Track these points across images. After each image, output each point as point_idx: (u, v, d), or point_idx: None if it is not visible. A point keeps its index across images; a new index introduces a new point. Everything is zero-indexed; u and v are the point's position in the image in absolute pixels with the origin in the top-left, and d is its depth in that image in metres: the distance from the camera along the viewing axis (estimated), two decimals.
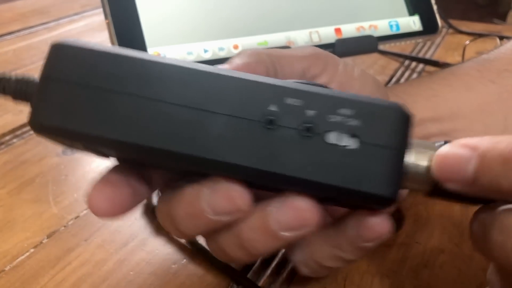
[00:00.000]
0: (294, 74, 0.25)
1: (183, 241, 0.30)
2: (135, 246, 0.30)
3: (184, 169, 0.21)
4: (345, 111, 0.19)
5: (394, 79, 0.53)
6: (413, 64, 0.57)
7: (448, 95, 0.33)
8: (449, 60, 0.55)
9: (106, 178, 0.21)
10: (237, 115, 0.19)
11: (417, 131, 0.32)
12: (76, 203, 0.34)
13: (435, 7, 0.44)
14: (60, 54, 0.19)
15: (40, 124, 0.19)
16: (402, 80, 0.53)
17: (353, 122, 0.19)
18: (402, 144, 0.19)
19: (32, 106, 0.19)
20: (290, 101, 0.19)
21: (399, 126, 0.19)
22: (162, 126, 0.19)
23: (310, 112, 0.19)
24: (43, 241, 0.31)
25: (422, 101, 0.32)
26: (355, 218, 0.21)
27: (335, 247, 0.22)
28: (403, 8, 0.43)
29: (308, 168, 0.18)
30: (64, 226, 0.32)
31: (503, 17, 0.74)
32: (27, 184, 0.36)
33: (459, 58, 0.55)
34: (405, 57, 0.57)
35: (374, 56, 0.57)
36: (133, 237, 0.31)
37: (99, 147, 0.20)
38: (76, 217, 0.33)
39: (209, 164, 0.19)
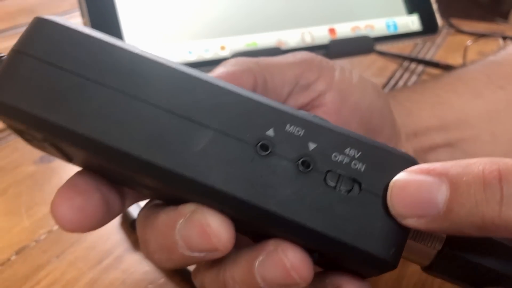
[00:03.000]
0: (285, 82, 0.23)
1: None
2: (110, 264, 0.28)
3: (156, 188, 0.18)
4: (352, 151, 0.16)
5: (392, 81, 0.51)
6: (413, 65, 0.54)
7: (455, 102, 0.31)
8: (450, 61, 0.53)
9: (74, 183, 0.18)
10: (227, 132, 0.16)
11: (422, 141, 0.30)
12: (49, 216, 0.32)
13: (435, 6, 0.41)
14: (41, 29, 0.17)
15: (0, 102, 0.16)
16: (401, 82, 0.51)
17: (357, 166, 0.16)
18: None
19: None
20: (291, 129, 0.16)
21: None
22: (139, 129, 0.16)
23: (312, 146, 0.16)
24: (11, 258, 0.28)
25: (428, 109, 0.30)
26: (333, 283, 0.18)
27: None
28: (401, 6, 0.41)
29: (299, 208, 0.16)
30: (36, 241, 0.30)
31: (505, 16, 0.72)
32: None
33: (460, 59, 0.53)
34: (404, 58, 0.55)
35: (372, 57, 0.55)
36: (108, 253, 0.29)
37: (62, 143, 0.17)
38: (49, 231, 0.30)
39: (186, 183, 0.16)
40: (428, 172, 0.15)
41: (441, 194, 0.15)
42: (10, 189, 0.34)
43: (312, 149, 0.16)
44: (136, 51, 0.17)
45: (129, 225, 0.30)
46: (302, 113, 0.17)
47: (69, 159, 0.19)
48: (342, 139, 0.16)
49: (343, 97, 0.24)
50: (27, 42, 0.17)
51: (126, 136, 0.16)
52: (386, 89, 0.49)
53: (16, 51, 0.17)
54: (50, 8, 0.74)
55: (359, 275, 0.18)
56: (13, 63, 0.17)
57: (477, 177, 0.15)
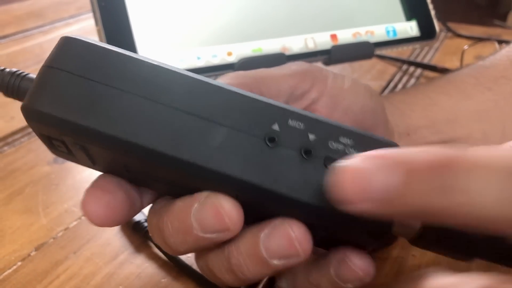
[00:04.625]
0: (281, 93, 0.24)
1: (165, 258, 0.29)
2: (125, 259, 0.30)
3: (177, 180, 0.20)
4: (345, 140, 0.19)
5: (391, 84, 0.53)
6: (411, 68, 0.56)
7: (445, 103, 0.32)
8: (447, 65, 0.55)
9: (100, 184, 0.21)
10: (240, 129, 0.19)
11: (414, 139, 0.32)
12: (65, 214, 0.33)
13: (432, 12, 0.43)
14: (67, 46, 0.19)
15: (34, 109, 0.18)
16: (400, 85, 0.53)
17: (351, 151, 0.19)
18: None
19: (29, 91, 0.19)
20: (293, 123, 0.19)
21: None
22: (164, 129, 0.18)
23: (312, 136, 0.19)
24: (31, 254, 0.30)
25: (420, 110, 0.32)
26: (338, 257, 0.20)
27: (314, 284, 0.21)
28: (400, 13, 0.43)
29: (303, 189, 0.18)
30: (53, 238, 0.31)
31: (503, 18, 0.73)
32: (17, 194, 0.35)
33: (457, 63, 0.54)
34: (403, 61, 0.56)
35: (371, 60, 0.56)
36: (122, 249, 0.30)
37: (91, 144, 0.19)
38: (66, 229, 0.32)
39: (207, 174, 0.18)
40: (380, 157, 0.16)
41: (388, 179, 0.15)
42: (26, 188, 0.36)
43: (312, 139, 0.19)
44: (155, 62, 0.19)
45: (132, 228, 0.31)
46: (301, 110, 0.20)
47: (92, 163, 0.21)
48: (336, 130, 0.19)
49: (335, 102, 0.25)
50: (57, 58, 0.19)
51: (154, 136, 0.18)
52: (386, 92, 0.51)
53: (48, 67, 0.19)
54: (58, 12, 0.76)
55: (361, 247, 0.20)
56: (45, 77, 0.19)
57: (423, 164, 0.15)
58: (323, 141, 0.19)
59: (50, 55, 0.19)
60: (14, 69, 0.20)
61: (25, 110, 0.19)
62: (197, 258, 0.23)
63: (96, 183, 0.20)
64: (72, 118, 0.18)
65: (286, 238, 0.19)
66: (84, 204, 0.20)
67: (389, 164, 0.15)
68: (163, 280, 0.28)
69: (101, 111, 0.18)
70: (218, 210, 0.19)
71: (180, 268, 0.28)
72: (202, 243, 0.20)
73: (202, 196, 0.19)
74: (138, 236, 0.31)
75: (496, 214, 0.14)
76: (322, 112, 0.25)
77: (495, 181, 0.14)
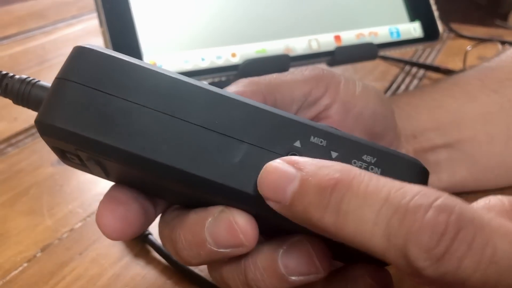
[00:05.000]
0: (294, 100, 0.24)
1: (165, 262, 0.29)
2: (130, 260, 0.30)
3: (193, 194, 0.19)
4: (368, 158, 0.19)
5: (394, 85, 0.53)
6: (414, 69, 0.56)
7: (451, 106, 0.32)
8: (450, 65, 0.55)
9: (114, 195, 0.20)
10: (261, 145, 0.18)
11: (421, 142, 0.32)
12: (70, 215, 0.33)
13: (436, 13, 0.43)
14: (81, 57, 0.18)
15: (49, 125, 0.18)
16: (403, 86, 0.53)
17: (374, 170, 0.18)
18: None
19: (43, 105, 0.18)
20: (315, 140, 0.19)
21: (417, 179, 0.19)
22: (182, 145, 0.18)
23: (334, 154, 0.19)
24: (37, 255, 0.30)
25: (426, 113, 0.32)
26: (355, 273, 0.20)
27: None
28: (404, 14, 0.43)
29: None
30: (58, 239, 0.31)
31: (504, 17, 0.73)
32: (21, 195, 0.35)
33: (460, 64, 0.54)
34: (406, 62, 0.57)
35: (374, 61, 0.56)
36: (128, 250, 0.30)
37: (108, 159, 0.18)
38: (71, 230, 0.32)
39: (222, 190, 0.18)
40: (292, 164, 0.17)
41: (291, 186, 0.16)
42: (31, 190, 0.36)
43: (335, 157, 0.18)
44: (174, 75, 0.19)
45: None
46: (322, 126, 0.19)
47: (106, 175, 0.20)
48: (359, 147, 0.19)
49: (347, 109, 0.25)
50: (71, 70, 0.18)
51: (172, 153, 0.18)
52: (389, 93, 0.51)
53: (62, 79, 0.18)
54: (59, 13, 0.76)
55: (377, 263, 0.20)
56: (60, 90, 0.18)
57: (318, 180, 0.16)
58: (346, 159, 0.18)
59: (63, 66, 0.18)
60: (24, 76, 0.20)
61: (39, 125, 0.18)
62: (211, 269, 0.22)
63: (110, 195, 0.20)
64: (88, 134, 0.17)
65: (306, 256, 0.18)
66: (99, 217, 0.19)
67: (292, 173, 0.17)
68: (168, 281, 0.28)
69: (118, 126, 0.17)
70: (233, 226, 0.18)
71: (182, 272, 0.28)
72: (216, 257, 0.20)
73: (216, 210, 0.19)
74: (138, 240, 0.31)
75: (375, 243, 0.15)
76: (334, 118, 0.25)
77: (380, 214, 0.15)
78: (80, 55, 0.18)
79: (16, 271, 0.29)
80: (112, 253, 0.30)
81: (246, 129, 0.18)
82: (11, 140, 0.43)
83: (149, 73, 0.18)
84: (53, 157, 0.40)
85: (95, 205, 0.34)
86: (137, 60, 0.19)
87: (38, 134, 0.43)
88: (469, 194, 0.33)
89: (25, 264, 0.29)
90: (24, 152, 0.41)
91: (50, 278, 0.28)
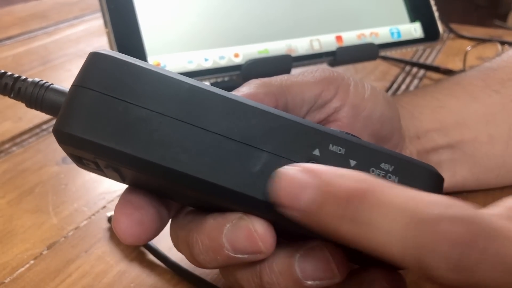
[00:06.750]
0: (305, 102, 0.24)
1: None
2: (136, 257, 0.30)
3: (210, 201, 0.20)
4: (386, 166, 0.19)
5: (395, 85, 0.53)
6: (414, 69, 0.56)
7: (453, 106, 0.33)
8: (450, 65, 0.55)
9: (129, 200, 0.20)
10: (280, 154, 0.18)
11: (424, 143, 0.32)
12: (76, 213, 0.34)
13: (436, 14, 0.44)
14: (98, 64, 0.18)
15: (68, 134, 0.17)
16: (403, 86, 0.53)
17: (391, 178, 0.19)
18: None
19: (60, 114, 0.18)
20: (334, 148, 0.19)
21: (433, 186, 0.19)
22: (202, 154, 0.18)
23: (353, 162, 0.19)
24: (43, 253, 0.30)
25: (428, 113, 0.32)
26: (369, 277, 0.20)
27: None
28: (404, 15, 0.43)
29: None
30: (64, 237, 0.32)
31: (503, 18, 0.74)
32: (27, 194, 0.36)
33: (460, 64, 0.55)
34: (406, 62, 0.57)
35: (375, 61, 0.57)
36: (133, 248, 0.31)
37: (127, 168, 0.18)
38: (76, 228, 0.32)
39: (242, 199, 0.18)
40: (307, 172, 0.17)
41: (308, 194, 0.16)
42: (36, 188, 0.36)
43: (353, 165, 0.19)
44: (192, 82, 0.19)
45: None
46: (340, 133, 0.19)
47: (123, 180, 0.20)
48: (377, 156, 0.19)
49: (356, 112, 0.25)
50: (88, 77, 0.18)
51: (192, 162, 0.18)
52: (389, 93, 0.52)
53: (79, 86, 0.18)
54: (61, 13, 0.76)
55: (393, 267, 0.20)
56: (77, 98, 0.18)
57: (341, 190, 0.16)
58: (364, 167, 0.19)
59: (80, 73, 0.18)
60: (37, 79, 0.20)
61: (57, 134, 0.18)
62: (225, 271, 0.22)
63: (125, 199, 0.20)
64: (108, 143, 0.17)
65: (324, 261, 0.18)
66: (116, 223, 0.19)
67: (315, 182, 0.16)
68: (172, 279, 0.28)
69: (138, 135, 0.17)
70: (252, 233, 0.18)
71: (181, 275, 0.28)
72: (232, 262, 0.20)
73: (235, 217, 0.19)
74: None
75: (392, 252, 0.15)
76: (343, 122, 0.25)
77: (396, 224, 0.15)
78: (97, 61, 0.18)
79: (23, 268, 0.29)
80: (117, 251, 0.30)
81: (266, 138, 0.18)
82: (16, 139, 0.43)
83: (167, 80, 0.18)
84: (58, 156, 0.40)
85: (100, 204, 0.34)
86: (153, 66, 0.19)
87: (42, 134, 0.44)
88: (469, 193, 0.33)
89: (32, 262, 0.30)
90: (29, 151, 0.41)
91: (57, 275, 0.29)
